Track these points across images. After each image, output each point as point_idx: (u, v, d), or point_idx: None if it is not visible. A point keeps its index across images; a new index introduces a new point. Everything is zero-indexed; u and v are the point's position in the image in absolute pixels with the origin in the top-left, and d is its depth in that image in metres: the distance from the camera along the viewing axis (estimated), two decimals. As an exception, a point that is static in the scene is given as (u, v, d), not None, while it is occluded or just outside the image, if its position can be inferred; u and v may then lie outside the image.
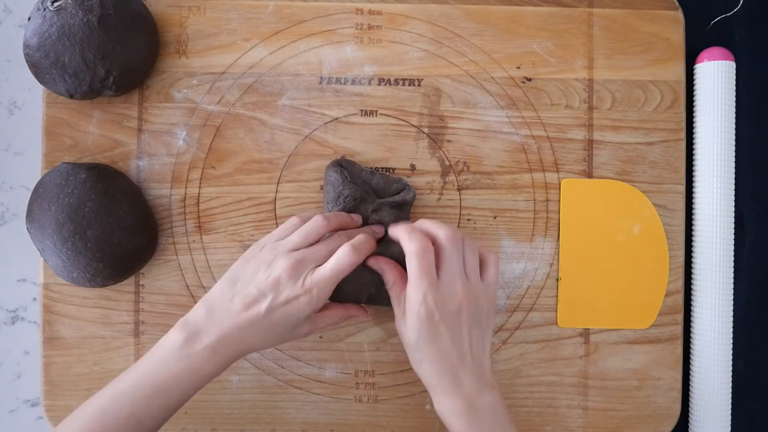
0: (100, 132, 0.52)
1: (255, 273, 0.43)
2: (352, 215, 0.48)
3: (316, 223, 0.45)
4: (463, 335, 0.43)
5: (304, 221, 0.46)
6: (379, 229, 0.48)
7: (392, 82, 0.53)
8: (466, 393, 0.42)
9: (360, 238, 0.45)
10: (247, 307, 0.42)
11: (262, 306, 0.42)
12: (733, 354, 0.52)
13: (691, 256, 0.54)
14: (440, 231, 0.44)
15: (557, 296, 0.53)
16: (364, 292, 0.47)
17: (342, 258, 0.43)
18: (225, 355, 0.42)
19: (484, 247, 0.47)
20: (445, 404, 0.43)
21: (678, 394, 0.53)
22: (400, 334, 0.45)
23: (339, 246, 0.44)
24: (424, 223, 0.45)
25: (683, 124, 0.54)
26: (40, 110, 0.52)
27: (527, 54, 0.53)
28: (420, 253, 0.43)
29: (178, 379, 0.41)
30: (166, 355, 0.42)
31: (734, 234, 0.52)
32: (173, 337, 0.42)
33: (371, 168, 0.52)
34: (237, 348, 0.43)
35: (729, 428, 0.52)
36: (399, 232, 0.45)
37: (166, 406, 0.42)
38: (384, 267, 0.46)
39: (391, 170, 0.53)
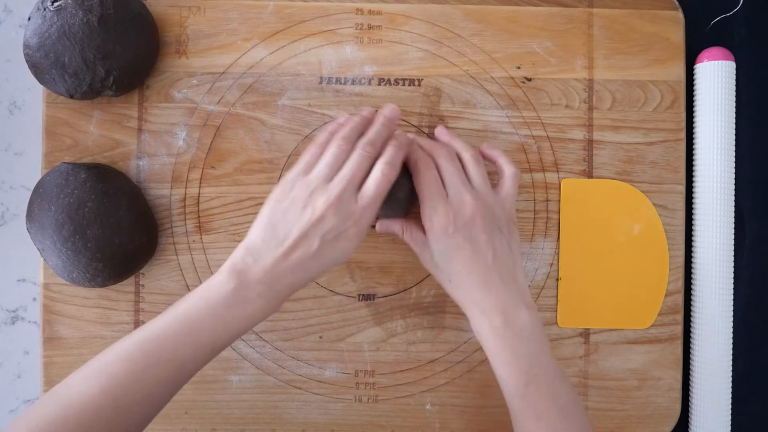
0: (100, 132, 0.52)
1: (296, 215, 0.41)
2: (363, 113, 0.46)
3: (339, 147, 0.43)
4: (483, 244, 0.43)
5: (322, 146, 0.44)
6: (404, 138, 0.45)
7: (392, 82, 0.53)
8: (501, 308, 0.42)
9: (391, 152, 0.43)
10: (295, 249, 0.41)
11: (313, 245, 0.41)
12: (733, 354, 0.52)
13: (691, 256, 0.54)
14: (434, 149, 0.46)
15: (557, 296, 0.53)
16: (396, 206, 0.47)
17: (380, 179, 0.42)
18: (277, 298, 0.41)
19: (505, 157, 0.48)
20: (479, 322, 0.43)
21: (678, 394, 0.53)
22: (429, 268, 0.46)
23: (369, 161, 0.42)
24: (425, 143, 0.47)
25: (683, 124, 0.54)
26: (40, 110, 0.52)
27: (527, 54, 0.53)
28: (424, 174, 0.44)
29: (229, 326, 0.40)
30: (214, 302, 0.40)
31: (734, 234, 0.52)
32: (222, 285, 0.40)
33: None
34: (289, 288, 0.41)
35: (729, 428, 0.52)
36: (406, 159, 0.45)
37: (212, 352, 0.41)
38: (392, 224, 0.48)
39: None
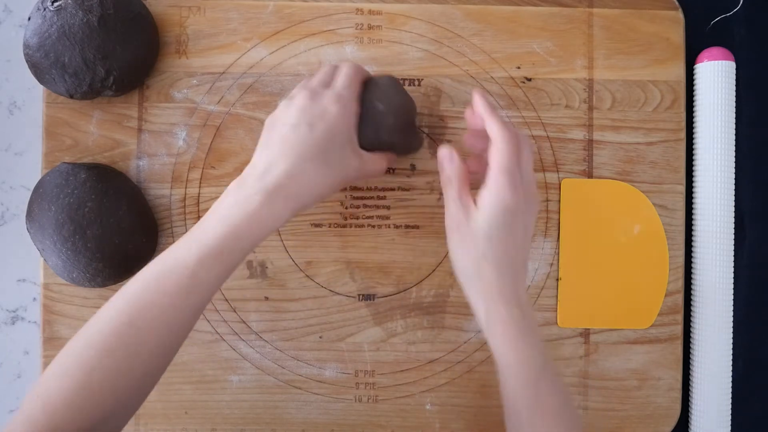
0: (100, 132, 0.52)
1: (282, 114, 0.43)
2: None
3: (331, 67, 0.47)
4: (528, 236, 0.43)
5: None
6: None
7: (392, 82, 0.53)
8: (522, 300, 0.42)
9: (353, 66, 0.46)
10: (287, 135, 0.42)
11: (301, 127, 0.41)
12: (733, 354, 0.52)
13: (691, 256, 0.54)
14: (516, 131, 0.44)
15: (557, 296, 0.53)
16: (393, 135, 0.47)
17: (348, 66, 0.45)
18: (285, 198, 0.41)
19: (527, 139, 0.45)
20: (500, 311, 0.41)
21: (678, 394, 0.53)
22: (463, 237, 0.42)
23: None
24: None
25: (683, 124, 0.54)
26: (40, 110, 0.52)
27: (527, 54, 0.53)
28: (513, 149, 0.42)
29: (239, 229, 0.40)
30: (225, 211, 0.40)
31: (734, 234, 0.52)
32: (230, 193, 0.41)
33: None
34: (295, 189, 0.41)
35: (729, 428, 0.52)
36: (491, 117, 0.43)
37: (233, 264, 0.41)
38: (443, 159, 0.45)
39: (391, 170, 0.53)
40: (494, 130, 0.42)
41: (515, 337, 0.41)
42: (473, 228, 0.42)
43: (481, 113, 0.44)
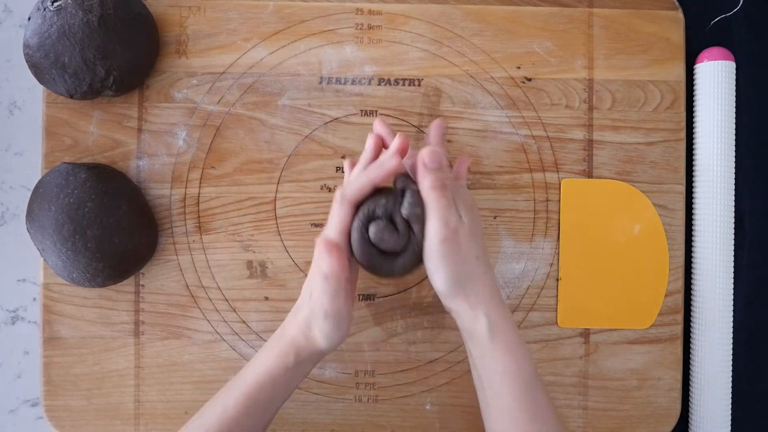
0: (100, 132, 0.52)
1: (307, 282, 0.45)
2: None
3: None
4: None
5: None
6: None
7: (392, 82, 0.53)
8: (506, 311, 0.43)
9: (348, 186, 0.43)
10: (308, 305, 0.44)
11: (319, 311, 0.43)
12: (733, 354, 0.52)
13: (691, 256, 0.54)
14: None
15: (557, 296, 0.53)
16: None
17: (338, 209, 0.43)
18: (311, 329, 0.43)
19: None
20: (504, 318, 0.42)
21: (678, 394, 0.53)
22: (449, 241, 0.42)
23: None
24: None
25: (683, 124, 0.54)
26: (40, 110, 0.52)
27: (527, 54, 0.53)
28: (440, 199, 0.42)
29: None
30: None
31: (734, 234, 0.52)
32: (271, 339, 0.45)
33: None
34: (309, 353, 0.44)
35: (729, 428, 0.52)
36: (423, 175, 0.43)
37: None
38: (432, 162, 0.43)
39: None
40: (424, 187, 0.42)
41: (516, 345, 0.42)
42: (462, 234, 0.42)
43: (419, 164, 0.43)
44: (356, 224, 0.43)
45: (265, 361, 0.44)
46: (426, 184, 0.42)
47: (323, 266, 0.41)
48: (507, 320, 0.42)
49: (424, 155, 0.42)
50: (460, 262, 0.42)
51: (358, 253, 0.43)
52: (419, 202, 0.42)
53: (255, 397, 0.43)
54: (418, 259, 0.43)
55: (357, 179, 0.43)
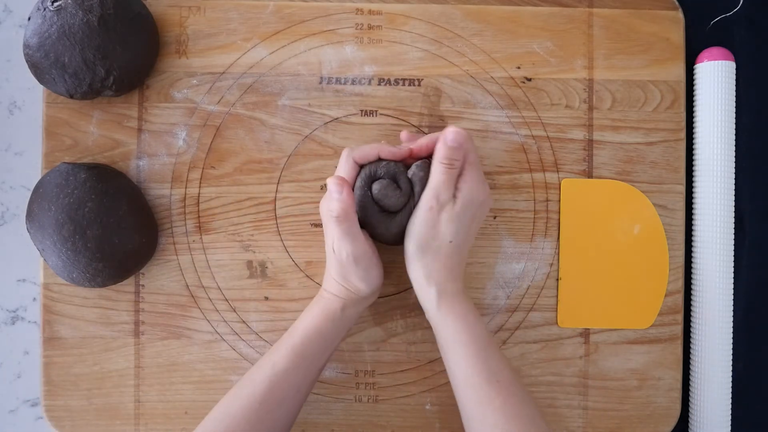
0: (100, 132, 0.52)
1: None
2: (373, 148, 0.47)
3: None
4: (476, 231, 0.48)
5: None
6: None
7: (392, 82, 0.53)
8: (463, 281, 0.47)
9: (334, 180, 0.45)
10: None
11: (336, 258, 0.46)
12: (733, 354, 0.52)
13: (691, 256, 0.54)
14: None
15: (557, 296, 0.53)
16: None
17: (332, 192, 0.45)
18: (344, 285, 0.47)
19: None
20: (456, 287, 0.46)
21: (678, 394, 0.53)
22: (432, 211, 0.45)
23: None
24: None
25: (683, 124, 0.54)
26: (40, 110, 0.52)
27: (527, 54, 0.53)
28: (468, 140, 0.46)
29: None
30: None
31: (734, 234, 0.52)
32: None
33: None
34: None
35: (729, 428, 0.52)
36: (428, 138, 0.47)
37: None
38: (456, 139, 0.46)
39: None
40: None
41: (465, 313, 0.45)
42: (445, 214, 0.45)
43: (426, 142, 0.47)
44: (359, 183, 0.46)
45: (311, 317, 0.47)
46: (438, 155, 0.45)
47: (335, 207, 0.43)
48: (457, 292, 0.45)
49: (449, 132, 0.45)
50: (432, 235, 0.45)
51: (359, 209, 0.46)
52: (426, 168, 0.46)
53: (302, 351, 0.46)
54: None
55: (366, 146, 0.46)
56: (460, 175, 0.45)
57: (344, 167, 0.46)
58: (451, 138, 0.44)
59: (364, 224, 0.46)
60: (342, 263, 0.45)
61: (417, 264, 0.45)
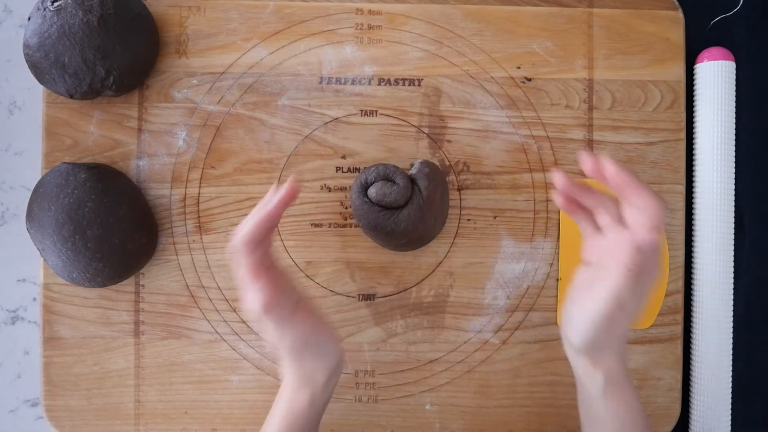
0: (100, 132, 0.52)
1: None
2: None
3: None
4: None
5: None
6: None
7: (392, 82, 0.53)
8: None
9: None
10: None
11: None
12: (733, 354, 0.52)
13: (691, 256, 0.54)
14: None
15: (557, 296, 0.53)
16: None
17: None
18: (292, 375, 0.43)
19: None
20: (622, 373, 0.41)
21: (678, 394, 0.53)
22: (613, 319, 0.39)
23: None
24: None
25: (683, 124, 0.54)
26: (40, 110, 0.52)
27: (527, 54, 0.53)
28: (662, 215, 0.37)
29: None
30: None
31: (734, 234, 0.52)
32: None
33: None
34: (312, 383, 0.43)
35: (729, 428, 0.52)
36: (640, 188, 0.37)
37: None
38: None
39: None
40: (644, 202, 0.37)
41: (633, 400, 0.41)
42: (627, 317, 0.39)
43: (619, 181, 0.37)
44: (354, 194, 0.46)
45: (278, 423, 0.43)
46: (624, 260, 0.37)
47: (257, 301, 0.39)
48: (623, 376, 0.41)
49: (641, 230, 0.36)
50: (606, 338, 0.40)
51: (363, 217, 0.45)
52: (429, 164, 0.46)
53: None
54: (423, 212, 0.46)
55: (244, 224, 0.40)
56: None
57: (245, 258, 0.39)
58: (647, 243, 0.36)
59: (370, 230, 0.46)
60: (291, 350, 0.42)
61: (585, 359, 0.41)
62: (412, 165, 0.47)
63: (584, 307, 0.40)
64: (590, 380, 0.41)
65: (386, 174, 0.46)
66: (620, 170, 0.37)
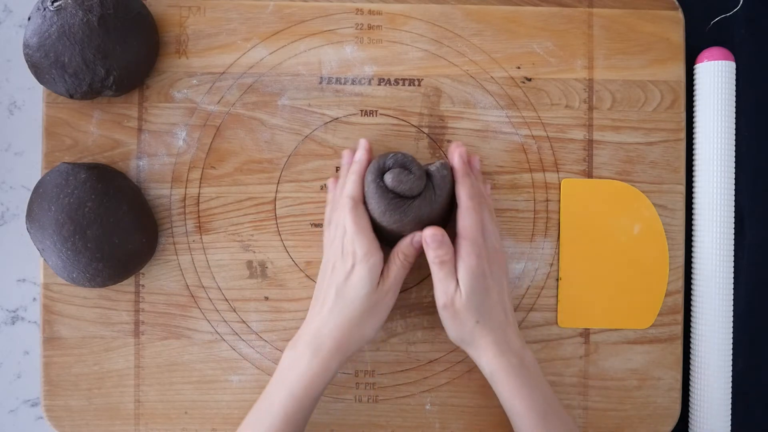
0: (100, 132, 0.52)
1: (324, 269, 0.49)
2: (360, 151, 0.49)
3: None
4: (505, 287, 0.48)
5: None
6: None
7: (392, 82, 0.53)
8: (516, 349, 0.46)
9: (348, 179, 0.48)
10: (333, 300, 0.46)
11: (330, 294, 0.46)
12: (733, 354, 0.52)
13: (691, 256, 0.54)
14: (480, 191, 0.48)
15: (557, 296, 0.53)
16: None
17: (346, 213, 0.46)
18: (323, 349, 0.45)
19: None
20: (497, 362, 0.45)
21: (678, 394, 0.53)
22: (448, 308, 0.46)
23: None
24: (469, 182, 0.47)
25: (683, 124, 0.54)
26: (40, 110, 0.52)
27: (527, 54, 0.53)
28: (476, 215, 0.46)
29: (291, 386, 0.45)
30: (283, 374, 0.46)
31: (734, 234, 0.52)
32: (285, 355, 0.47)
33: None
34: (345, 345, 0.45)
35: (729, 428, 0.52)
36: (462, 179, 0.47)
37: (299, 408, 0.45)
38: (433, 241, 0.46)
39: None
40: (462, 196, 0.46)
41: (519, 386, 0.45)
42: (458, 305, 0.45)
43: (455, 168, 0.47)
44: (370, 177, 0.46)
45: (302, 383, 0.44)
46: (429, 257, 0.46)
47: (349, 187, 0.46)
48: (510, 366, 0.45)
49: (427, 235, 0.45)
50: (459, 325, 0.46)
51: (375, 201, 0.46)
52: (448, 167, 0.47)
53: (295, 420, 0.44)
54: (432, 208, 0.46)
55: (346, 178, 0.48)
56: (456, 259, 0.45)
57: (360, 210, 0.47)
58: (430, 240, 0.45)
59: (379, 214, 0.46)
60: (381, 310, 0.46)
61: (465, 349, 0.47)
62: (431, 163, 0.47)
63: (437, 305, 0.47)
64: (480, 366, 0.47)
65: (404, 162, 0.46)
66: (459, 163, 0.47)
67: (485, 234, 0.46)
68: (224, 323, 0.52)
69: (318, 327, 0.45)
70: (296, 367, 0.45)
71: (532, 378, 0.45)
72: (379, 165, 0.47)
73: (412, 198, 0.46)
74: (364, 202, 0.47)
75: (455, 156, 0.47)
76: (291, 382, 0.44)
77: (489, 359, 0.45)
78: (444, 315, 0.46)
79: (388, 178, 0.46)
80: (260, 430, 0.44)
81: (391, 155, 0.47)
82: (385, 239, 0.47)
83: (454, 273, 0.45)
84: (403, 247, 0.46)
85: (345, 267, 0.45)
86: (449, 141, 0.53)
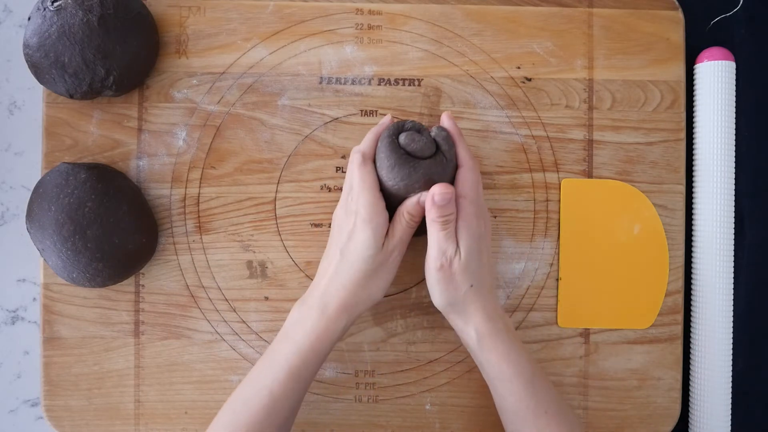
0: (100, 132, 0.52)
1: (335, 230, 0.48)
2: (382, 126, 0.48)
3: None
4: (491, 259, 0.48)
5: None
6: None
7: (392, 82, 0.53)
8: (500, 313, 0.46)
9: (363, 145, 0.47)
10: (340, 260, 0.46)
11: (335, 254, 0.46)
12: (733, 354, 0.52)
13: (691, 256, 0.54)
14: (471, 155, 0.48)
15: (557, 296, 0.53)
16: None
17: (355, 175, 0.46)
18: (329, 308, 0.45)
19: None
20: (486, 327, 0.45)
21: (678, 394, 0.53)
22: (444, 270, 0.45)
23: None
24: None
25: (683, 124, 0.54)
26: (40, 110, 0.52)
27: (527, 54, 0.53)
28: (477, 173, 0.46)
29: (299, 343, 0.45)
30: (290, 329, 0.46)
31: (734, 234, 0.52)
32: (293, 310, 0.47)
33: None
34: (353, 302, 0.45)
35: (729, 428, 0.52)
36: (461, 142, 0.47)
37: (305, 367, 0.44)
38: (442, 199, 0.45)
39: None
40: (463, 154, 0.46)
41: (508, 350, 0.45)
42: (456, 267, 0.44)
43: (451, 131, 0.47)
44: (386, 133, 0.46)
45: (308, 337, 0.44)
46: (430, 215, 0.44)
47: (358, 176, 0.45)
48: (497, 331, 0.45)
49: (436, 192, 0.43)
50: (453, 289, 0.45)
51: (385, 154, 0.45)
52: (444, 128, 0.47)
53: (299, 375, 0.44)
54: (442, 168, 0.46)
55: (365, 138, 0.47)
56: (457, 220, 0.45)
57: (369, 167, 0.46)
58: (438, 198, 0.43)
59: (387, 169, 0.45)
60: (388, 269, 0.45)
61: (452, 316, 0.46)
62: (430, 128, 0.48)
63: (426, 268, 0.46)
64: (464, 335, 0.46)
65: (420, 128, 0.47)
66: (451, 125, 0.47)
67: (479, 194, 0.46)
68: (224, 323, 0.52)
69: (325, 286, 0.45)
70: (303, 325, 0.45)
71: (517, 342, 0.45)
72: (398, 126, 0.47)
73: (423, 159, 0.46)
74: (375, 163, 0.46)
75: (447, 120, 0.47)
76: (297, 339, 0.44)
77: (478, 324, 0.45)
78: (437, 277, 0.45)
79: (402, 136, 0.46)
80: (264, 383, 0.44)
81: (410, 121, 0.47)
82: (390, 205, 0.47)
83: (455, 235, 0.44)
84: (409, 206, 0.45)
85: (348, 227, 0.45)
86: (449, 141, 0.53)
